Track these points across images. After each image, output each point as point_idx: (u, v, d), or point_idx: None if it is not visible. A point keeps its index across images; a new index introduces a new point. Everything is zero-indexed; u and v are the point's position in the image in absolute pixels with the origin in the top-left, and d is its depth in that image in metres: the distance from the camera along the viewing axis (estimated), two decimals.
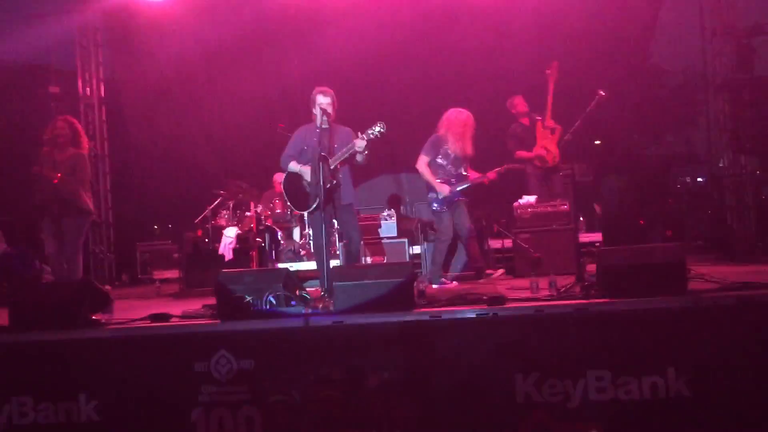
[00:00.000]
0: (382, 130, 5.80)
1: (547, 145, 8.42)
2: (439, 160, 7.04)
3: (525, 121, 8.69)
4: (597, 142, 12.20)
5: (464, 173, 7.09)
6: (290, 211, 8.13)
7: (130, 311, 5.88)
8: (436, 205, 7.03)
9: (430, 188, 7.04)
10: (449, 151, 7.02)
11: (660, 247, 5.57)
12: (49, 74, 10.82)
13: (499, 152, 8.55)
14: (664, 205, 11.67)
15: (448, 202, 6.99)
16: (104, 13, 10.66)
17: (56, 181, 6.49)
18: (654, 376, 4.40)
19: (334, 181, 5.90)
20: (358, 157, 5.99)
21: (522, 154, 8.53)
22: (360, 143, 5.86)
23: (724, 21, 9.07)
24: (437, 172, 7.03)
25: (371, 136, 5.84)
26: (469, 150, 7.07)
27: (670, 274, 4.87)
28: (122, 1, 10.16)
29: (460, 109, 7.11)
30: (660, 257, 4.99)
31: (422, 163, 7.05)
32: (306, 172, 6.18)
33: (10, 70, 11.46)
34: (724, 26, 9.05)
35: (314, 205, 6.06)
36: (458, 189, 7.02)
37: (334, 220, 6.29)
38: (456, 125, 7.00)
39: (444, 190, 6.96)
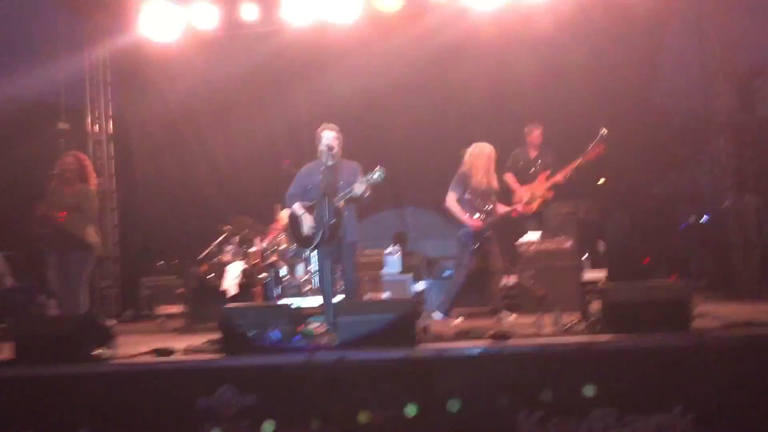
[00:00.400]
0: (381, 176, 5.87)
1: (534, 192, 8.48)
2: (467, 196, 7.04)
3: (532, 152, 8.74)
4: (601, 180, 12.22)
5: (492, 207, 7.08)
6: (294, 247, 8.14)
7: (134, 346, 5.88)
8: (466, 240, 7.00)
9: (460, 224, 7.04)
10: (475, 186, 7.02)
11: (665, 283, 5.57)
12: (58, 111, 10.94)
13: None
14: (669, 243, 11.62)
15: (479, 237, 6.97)
16: (113, 51, 10.84)
17: (62, 219, 6.54)
18: (660, 415, 4.36)
19: (334, 220, 5.92)
20: (360, 197, 6.02)
21: (510, 178, 8.64)
22: (359, 188, 5.92)
23: (725, 62, 9.16)
24: (466, 208, 7.02)
25: (369, 181, 5.89)
26: (495, 183, 7.14)
27: (674, 311, 4.88)
28: (131, 40, 10.34)
29: (483, 144, 7.16)
30: (665, 294, 5.01)
31: (451, 200, 7.07)
32: (306, 219, 6.22)
33: (20, 107, 11.60)
34: (725, 67, 9.14)
35: (316, 243, 6.10)
36: (488, 223, 7.01)
37: None
38: (479, 159, 7.05)
39: (475, 224, 6.94)
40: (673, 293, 4.99)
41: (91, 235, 6.79)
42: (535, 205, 8.44)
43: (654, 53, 10.23)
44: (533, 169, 8.68)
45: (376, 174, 5.88)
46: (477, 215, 7.00)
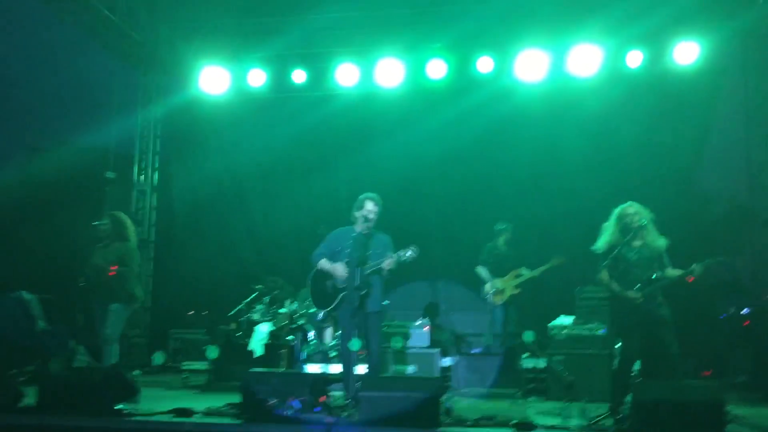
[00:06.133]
0: (414, 255, 5.89)
1: (505, 286, 8.84)
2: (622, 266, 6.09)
3: (504, 248, 9.08)
4: None
5: (658, 273, 5.99)
6: (324, 312, 8.12)
7: (156, 401, 5.89)
8: (620, 318, 6.09)
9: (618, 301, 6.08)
10: (620, 256, 6.04)
11: (699, 384, 5.39)
12: (107, 159, 11.27)
13: None
14: (706, 335, 11.25)
15: (639, 313, 5.91)
16: (166, 106, 11.21)
17: (112, 273, 6.71)
18: None
19: (364, 291, 5.91)
20: (384, 271, 6.04)
21: (482, 270, 8.94)
22: (389, 263, 5.95)
23: None
24: (623, 281, 6.03)
25: (402, 259, 5.91)
26: (654, 244, 6.02)
27: (708, 414, 4.72)
28: (184, 97, 10.70)
29: (619, 208, 6.19)
30: (698, 396, 4.85)
31: (603, 275, 6.05)
32: (338, 267, 6.18)
33: (72, 153, 11.99)
34: None
35: (333, 306, 6.10)
36: (648, 294, 5.91)
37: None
38: (617, 226, 6.12)
39: (631, 297, 5.93)
40: (708, 395, 4.83)
41: (134, 290, 6.94)
42: (505, 297, 8.81)
43: (700, 138, 10.18)
44: (505, 264, 8.95)
45: (409, 252, 5.89)
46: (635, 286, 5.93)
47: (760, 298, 9.49)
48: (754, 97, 9.32)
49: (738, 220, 12.11)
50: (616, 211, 6.20)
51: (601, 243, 6.14)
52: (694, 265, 5.89)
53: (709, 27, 9.07)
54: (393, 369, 7.66)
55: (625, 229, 6.07)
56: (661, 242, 6.05)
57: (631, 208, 6.13)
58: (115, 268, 6.76)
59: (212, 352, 7.87)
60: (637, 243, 6.07)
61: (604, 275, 6.05)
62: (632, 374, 6.05)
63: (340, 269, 6.16)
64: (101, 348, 6.82)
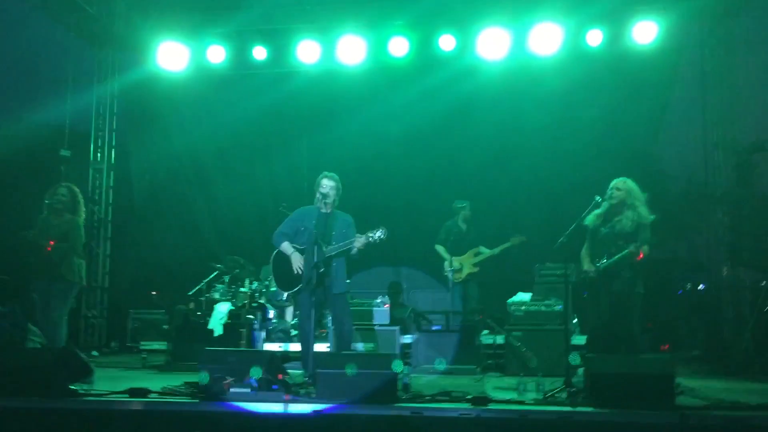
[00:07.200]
0: (382, 237, 5.89)
1: (463, 264, 8.94)
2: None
3: (463, 226, 9.14)
4: None
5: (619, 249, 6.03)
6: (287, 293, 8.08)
7: (112, 382, 5.81)
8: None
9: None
10: (597, 232, 6.25)
11: (650, 357, 5.50)
12: (63, 137, 11.00)
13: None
14: (663, 310, 11.50)
15: (592, 284, 6.24)
16: (122, 82, 10.97)
17: (49, 248, 6.53)
18: None
19: (322, 269, 5.86)
20: (353, 251, 6.01)
21: (441, 249, 9.01)
22: (358, 242, 5.90)
23: (726, 136, 9.26)
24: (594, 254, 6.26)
25: (370, 239, 5.89)
26: (622, 223, 6.08)
27: (658, 386, 4.82)
28: (141, 74, 10.47)
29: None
30: (649, 369, 4.95)
31: (584, 250, 6.31)
32: (295, 260, 6.14)
33: (26, 131, 11.69)
34: (725, 141, 9.24)
35: (298, 288, 6.05)
36: (602, 269, 6.11)
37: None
38: (593, 208, 6.23)
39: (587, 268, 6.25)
40: (658, 368, 4.93)
41: (75, 267, 6.73)
42: (462, 275, 8.91)
43: (658, 116, 10.30)
44: (464, 242, 9.04)
45: (378, 234, 5.88)
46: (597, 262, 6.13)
47: (716, 276, 9.69)
48: (710, 77, 9.47)
49: (695, 197, 12.33)
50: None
51: (589, 217, 6.21)
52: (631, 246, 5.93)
53: (667, 6, 9.14)
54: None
55: (607, 204, 6.18)
56: (640, 220, 6.04)
57: (622, 183, 6.20)
58: (52, 243, 6.54)
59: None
60: (616, 219, 6.16)
61: (584, 250, 6.27)
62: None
63: (297, 261, 6.10)
64: (48, 330, 6.67)
